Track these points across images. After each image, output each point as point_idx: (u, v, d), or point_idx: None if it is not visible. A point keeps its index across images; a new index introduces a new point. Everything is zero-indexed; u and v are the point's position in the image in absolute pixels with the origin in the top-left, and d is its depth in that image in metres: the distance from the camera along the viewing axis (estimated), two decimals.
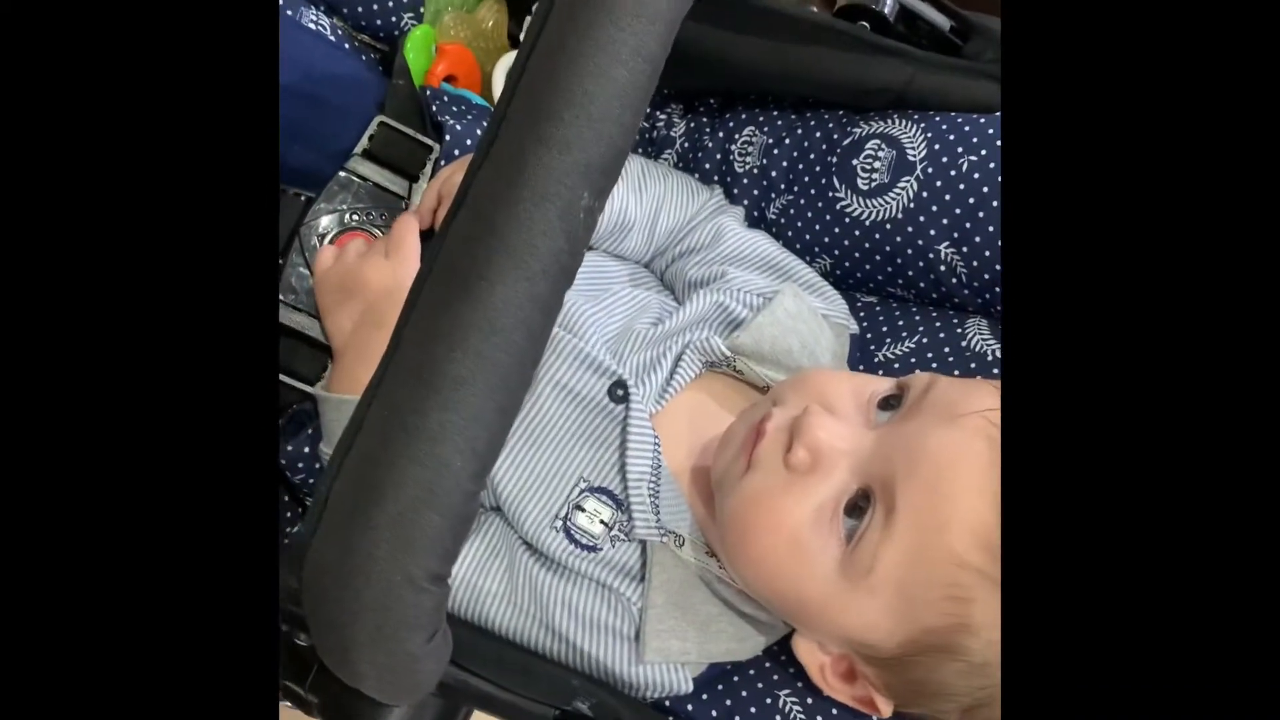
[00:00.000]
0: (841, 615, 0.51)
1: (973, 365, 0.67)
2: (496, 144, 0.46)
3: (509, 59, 0.76)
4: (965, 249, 0.66)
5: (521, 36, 0.77)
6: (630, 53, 0.46)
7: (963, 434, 0.49)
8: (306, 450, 0.63)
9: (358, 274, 0.61)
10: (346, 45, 0.73)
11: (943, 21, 0.68)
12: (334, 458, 0.44)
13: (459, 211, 0.46)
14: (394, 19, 0.76)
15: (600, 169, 0.46)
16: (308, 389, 0.64)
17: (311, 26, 0.70)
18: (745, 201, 0.77)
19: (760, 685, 0.60)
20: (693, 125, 0.81)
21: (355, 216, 0.65)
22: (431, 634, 0.44)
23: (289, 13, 0.70)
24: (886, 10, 0.68)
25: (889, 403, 0.55)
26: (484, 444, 0.43)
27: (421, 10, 0.76)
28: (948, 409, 0.50)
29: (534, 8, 0.49)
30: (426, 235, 0.64)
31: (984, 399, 0.50)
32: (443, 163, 0.67)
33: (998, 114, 0.66)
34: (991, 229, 0.64)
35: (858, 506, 0.51)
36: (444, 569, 0.43)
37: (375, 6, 0.75)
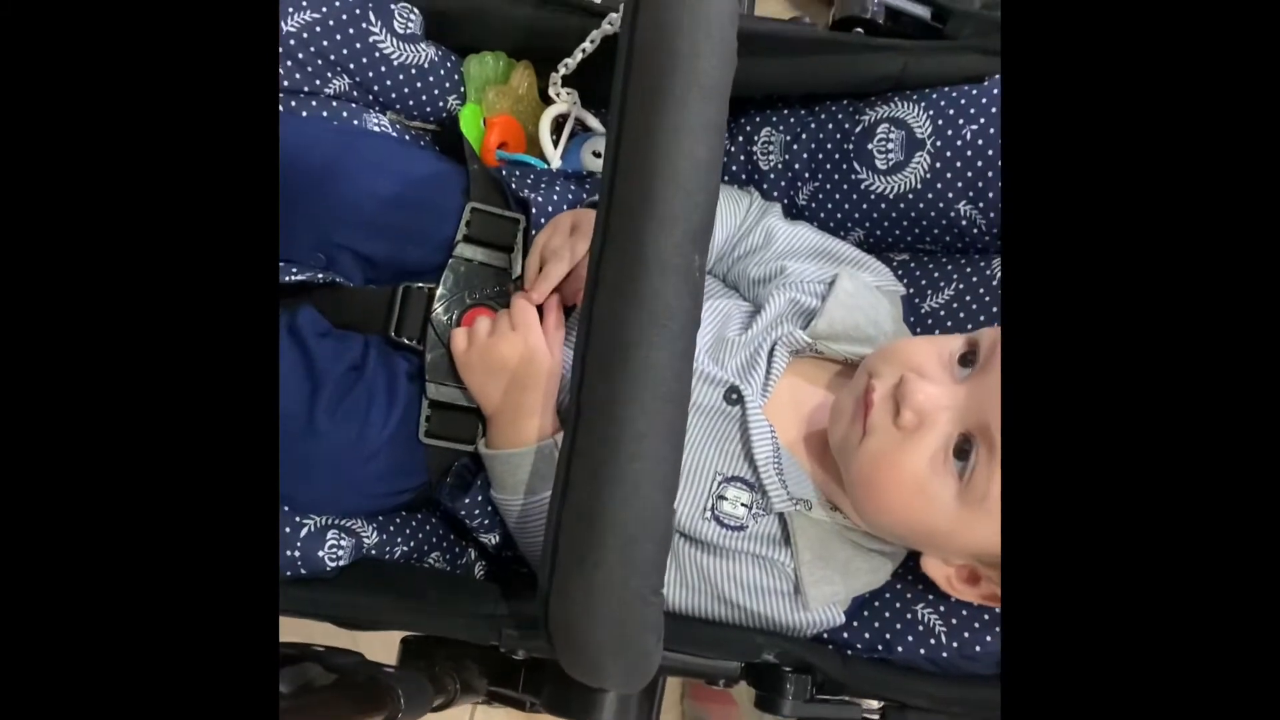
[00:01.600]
0: (966, 536, 0.61)
1: None
2: (611, 228, 0.54)
3: (549, 114, 0.83)
4: (981, 204, 0.74)
5: (550, 90, 0.84)
6: (704, 128, 0.54)
7: None
8: (480, 498, 0.72)
9: (495, 352, 0.69)
10: (411, 139, 0.80)
11: (923, 11, 0.75)
12: (550, 511, 0.53)
13: (597, 291, 0.54)
14: (441, 103, 0.83)
15: (701, 231, 0.54)
16: (468, 449, 0.72)
17: (377, 129, 0.77)
18: (776, 194, 0.85)
19: (898, 605, 0.70)
20: None
21: (471, 295, 0.73)
22: (659, 635, 0.53)
23: (355, 122, 0.76)
24: (872, 14, 0.75)
25: (966, 359, 0.63)
26: (670, 479, 0.52)
27: (462, 90, 0.83)
28: None
29: (610, 99, 0.56)
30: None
31: None
32: (533, 232, 0.75)
33: (986, 81, 0.74)
34: (1000, 182, 0.73)
35: (963, 449, 0.60)
36: (660, 582, 0.52)
37: (424, 96, 0.82)
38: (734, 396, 0.69)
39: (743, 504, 0.68)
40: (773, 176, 0.84)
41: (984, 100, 0.73)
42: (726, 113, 0.55)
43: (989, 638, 0.67)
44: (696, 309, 0.53)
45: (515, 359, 0.69)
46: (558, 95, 0.84)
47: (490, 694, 0.77)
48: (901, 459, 0.61)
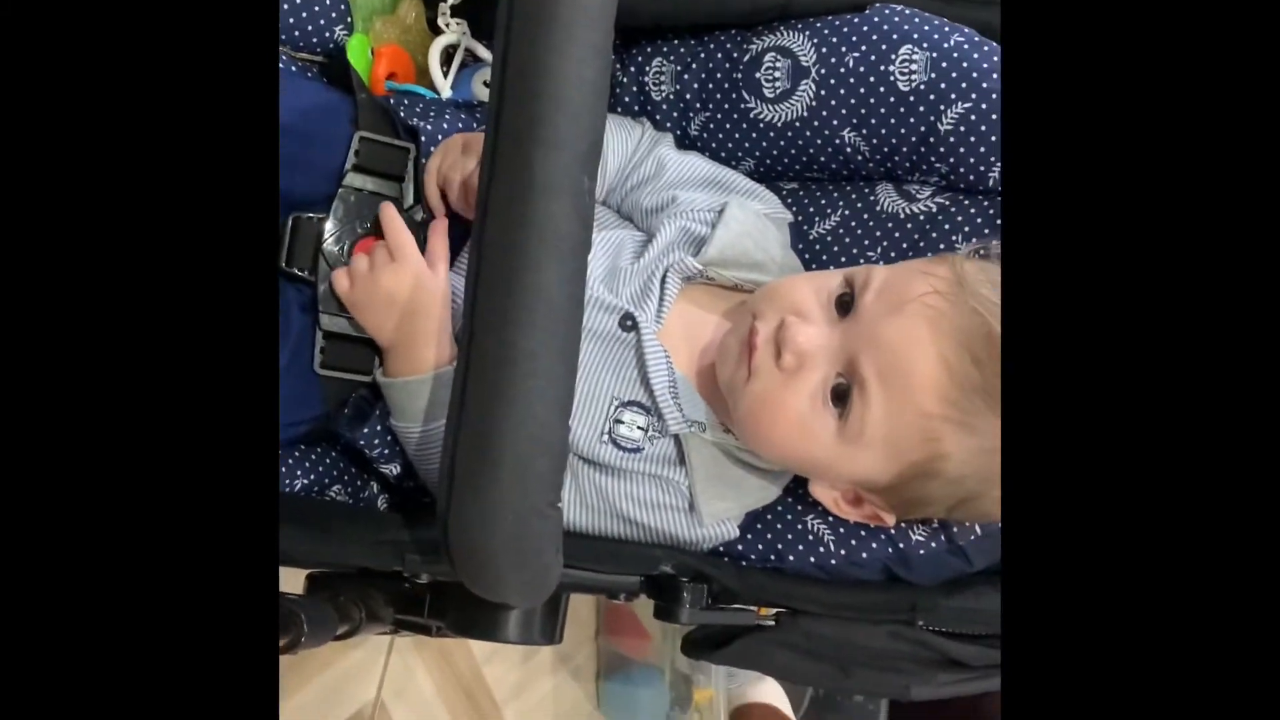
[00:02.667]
0: (846, 468, 0.65)
1: (889, 225, 0.78)
2: (499, 153, 0.54)
3: (438, 44, 0.82)
4: (865, 130, 0.76)
5: (439, 20, 0.83)
6: (589, 52, 0.54)
7: (907, 319, 0.61)
8: (379, 428, 0.72)
9: (378, 285, 0.69)
10: (298, 70, 0.78)
11: None
12: (447, 434, 0.53)
13: (486, 215, 0.54)
14: (328, 34, 0.81)
15: (589, 154, 0.54)
16: (365, 379, 0.72)
17: None
18: (667, 124, 0.85)
19: (789, 517, 0.73)
20: None
21: (363, 225, 0.72)
22: (557, 548, 0.55)
23: None
24: None
25: (843, 297, 0.66)
26: (564, 396, 0.53)
27: (349, 20, 0.81)
28: (892, 300, 0.62)
29: (495, 25, 0.56)
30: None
31: (916, 286, 0.62)
32: (423, 161, 0.74)
33: (868, 10, 0.75)
34: (883, 110, 0.75)
35: (840, 388, 0.63)
36: (557, 497, 0.53)
37: (310, 27, 0.80)
38: (629, 323, 0.71)
39: (639, 427, 0.69)
40: (665, 107, 0.85)
41: (865, 28, 0.75)
42: (612, 36, 0.55)
43: (874, 544, 0.70)
44: (586, 231, 0.54)
45: (400, 289, 0.68)
46: (447, 25, 0.83)
47: (396, 622, 0.77)
48: (784, 399, 0.64)
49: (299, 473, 0.74)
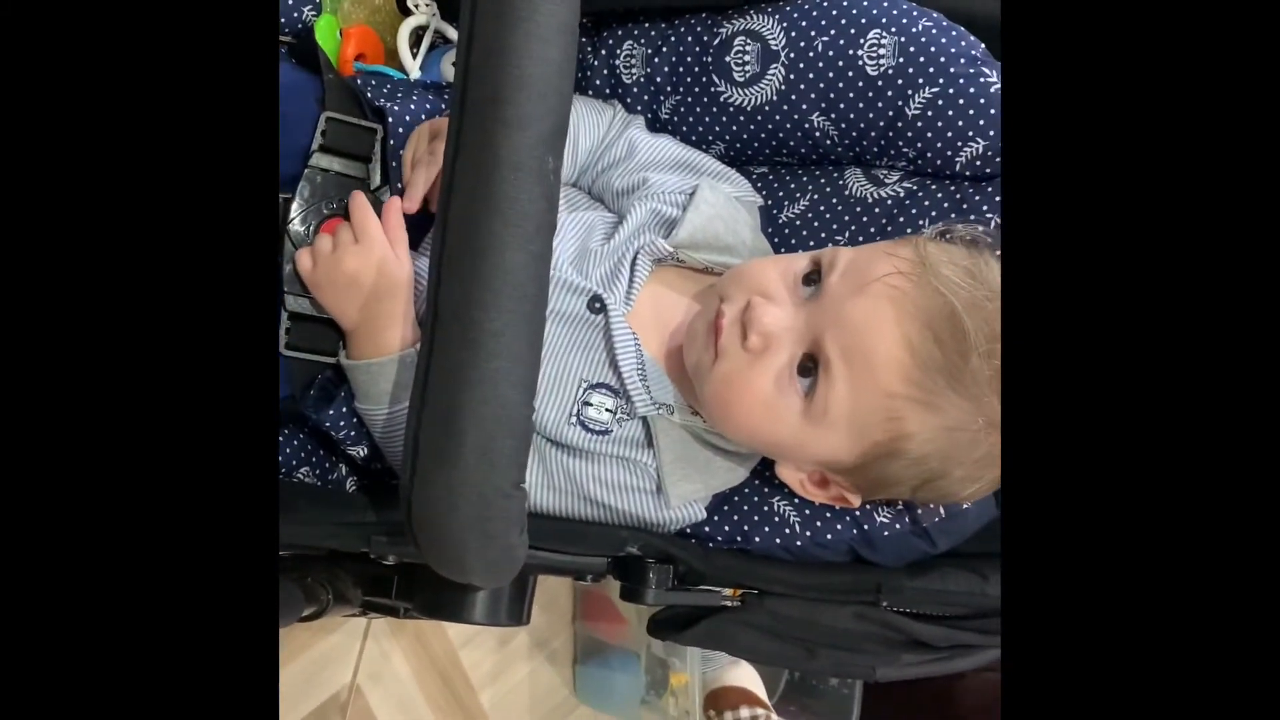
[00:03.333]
0: (811, 448, 0.65)
1: (858, 209, 0.78)
2: (464, 132, 0.54)
3: (407, 26, 0.82)
4: (833, 115, 0.77)
5: (408, 2, 0.83)
6: (555, 30, 0.54)
7: (870, 299, 0.61)
8: (345, 410, 0.72)
9: (341, 267, 0.68)
10: None
11: None
12: (410, 415, 0.53)
13: (451, 195, 0.54)
14: (296, 14, 0.80)
15: (554, 133, 0.54)
16: (330, 360, 0.72)
17: None
18: (639, 107, 0.85)
19: (756, 499, 0.73)
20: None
21: (329, 205, 0.72)
22: (522, 529, 0.55)
23: None
24: None
25: (810, 278, 0.66)
26: (528, 376, 0.53)
27: (318, 1, 0.81)
28: (855, 280, 0.63)
29: (460, 5, 0.56)
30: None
31: (880, 266, 0.62)
32: (391, 142, 0.74)
33: None
34: (851, 94, 0.75)
35: (806, 367, 0.64)
36: (522, 477, 0.53)
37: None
38: (597, 305, 0.71)
39: (607, 409, 0.70)
40: (635, 90, 0.85)
41: (834, 12, 0.75)
42: (578, 15, 0.55)
43: (839, 526, 0.71)
44: (551, 211, 0.54)
45: (364, 271, 0.68)
46: (416, 7, 0.82)
47: (365, 604, 0.78)
48: (750, 380, 0.65)
49: None
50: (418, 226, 0.72)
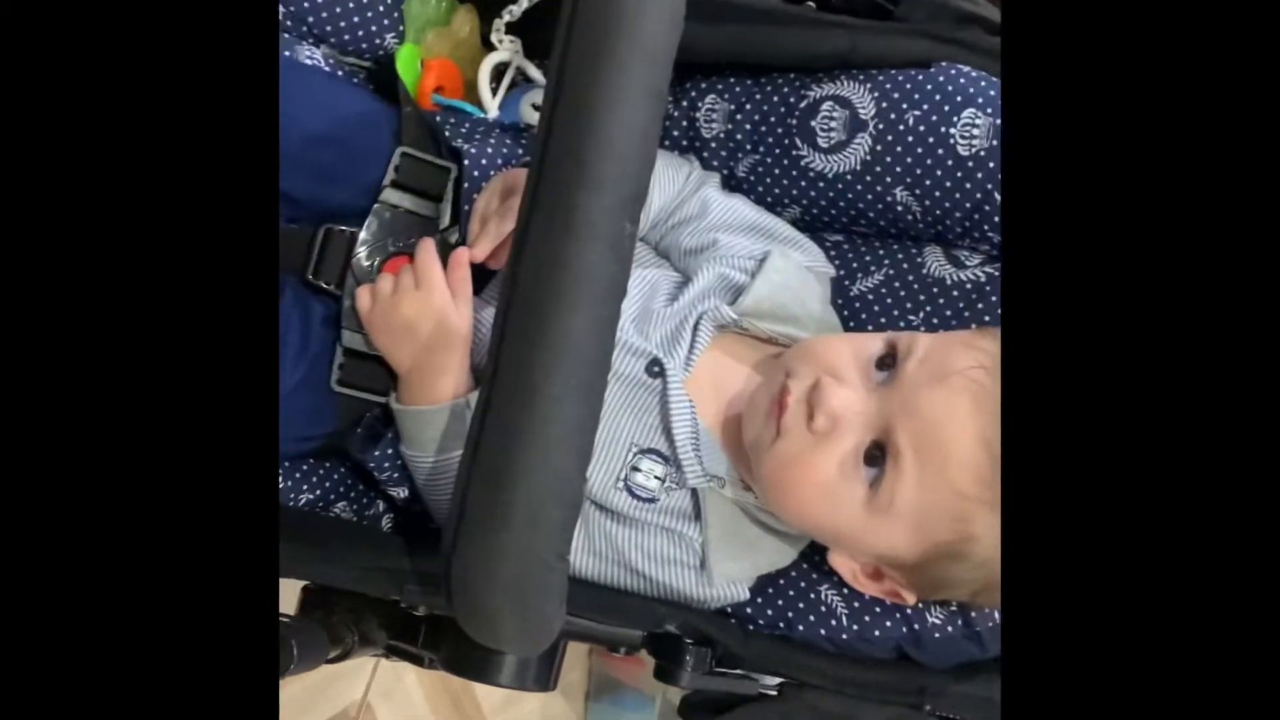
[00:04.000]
0: (871, 540, 0.63)
1: (934, 290, 0.76)
2: (542, 191, 0.53)
3: (489, 62, 0.82)
4: (918, 191, 0.75)
5: (493, 37, 0.82)
6: (643, 95, 0.53)
7: (949, 392, 0.59)
8: (390, 451, 0.71)
9: (398, 311, 0.68)
10: (344, 75, 0.78)
11: None
12: (460, 471, 0.52)
13: (523, 253, 0.53)
14: (378, 41, 0.80)
15: (634, 198, 0.53)
16: (381, 400, 0.71)
17: (309, 62, 0.75)
18: (715, 163, 0.84)
19: (803, 584, 0.71)
20: None
21: (395, 243, 0.71)
22: (561, 600, 0.53)
23: (286, 53, 0.74)
24: None
25: (883, 361, 0.64)
26: (584, 445, 0.52)
27: (401, 29, 0.81)
28: (934, 370, 0.61)
29: (550, 57, 0.55)
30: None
31: (961, 358, 0.60)
32: (465, 185, 0.73)
33: (933, 68, 0.74)
34: (939, 172, 0.73)
35: (873, 456, 0.61)
36: (567, 549, 0.52)
37: (360, 32, 0.79)
38: (656, 369, 0.69)
39: (656, 476, 0.68)
40: (714, 145, 0.84)
41: (929, 87, 0.73)
42: (669, 79, 0.54)
43: (888, 622, 0.68)
44: (623, 277, 0.53)
45: (419, 319, 0.67)
46: (500, 42, 0.82)
47: (389, 648, 0.76)
48: (812, 462, 0.62)
49: (305, 487, 0.73)
50: (481, 273, 0.71)
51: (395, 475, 0.72)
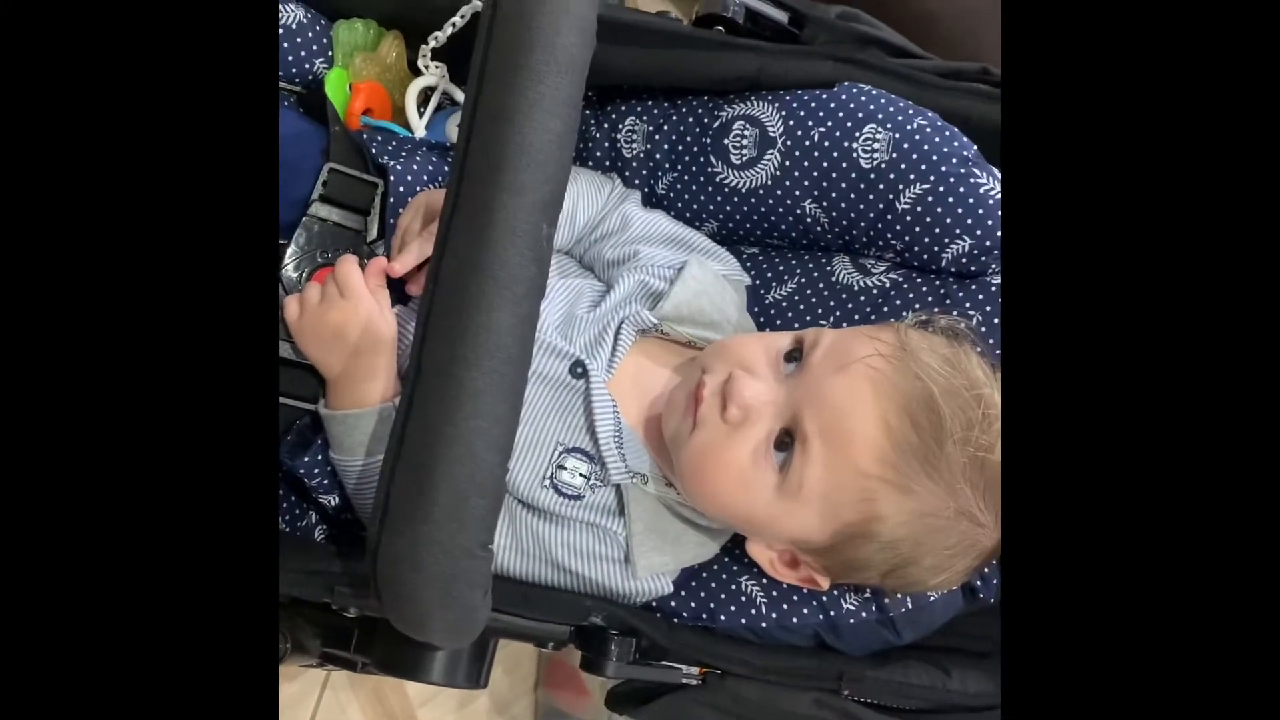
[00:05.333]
0: (784, 524, 0.64)
1: (843, 295, 0.79)
2: (462, 195, 0.55)
3: (416, 86, 0.83)
4: (825, 203, 0.78)
5: (419, 62, 0.84)
6: (558, 104, 0.55)
7: (850, 379, 0.62)
8: (320, 458, 0.72)
9: (325, 320, 0.68)
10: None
11: (780, 16, 0.79)
12: (384, 468, 0.53)
13: (444, 255, 0.55)
14: (307, 65, 0.82)
15: (551, 202, 0.55)
16: (309, 407, 0.71)
17: None
18: (636, 181, 0.86)
19: (724, 577, 0.73)
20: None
21: (324, 254, 0.72)
22: (486, 590, 0.54)
23: None
24: (733, 14, 0.78)
25: (791, 355, 0.67)
26: (505, 438, 0.53)
27: (330, 54, 0.82)
28: (837, 360, 0.63)
29: (470, 70, 0.57)
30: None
31: (861, 348, 0.63)
32: (391, 199, 0.74)
33: (836, 87, 0.77)
34: (844, 185, 0.76)
35: (783, 442, 0.64)
36: (490, 539, 0.53)
37: (290, 57, 0.80)
38: (579, 370, 0.71)
39: (581, 474, 0.69)
40: (634, 164, 0.86)
41: (833, 105, 0.77)
42: (582, 90, 0.56)
43: (805, 610, 0.70)
44: (542, 277, 0.54)
45: (347, 325, 0.68)
46: (426, 67, 0.84)
47: (323, 655, 0.76)
48: (726, 451, 0.64)
49: None
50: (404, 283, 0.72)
51: (325, 482, 0.72)
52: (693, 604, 0.72)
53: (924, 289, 0.76)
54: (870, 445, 0.60)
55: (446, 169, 0.79)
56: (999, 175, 0.73)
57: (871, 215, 0.76)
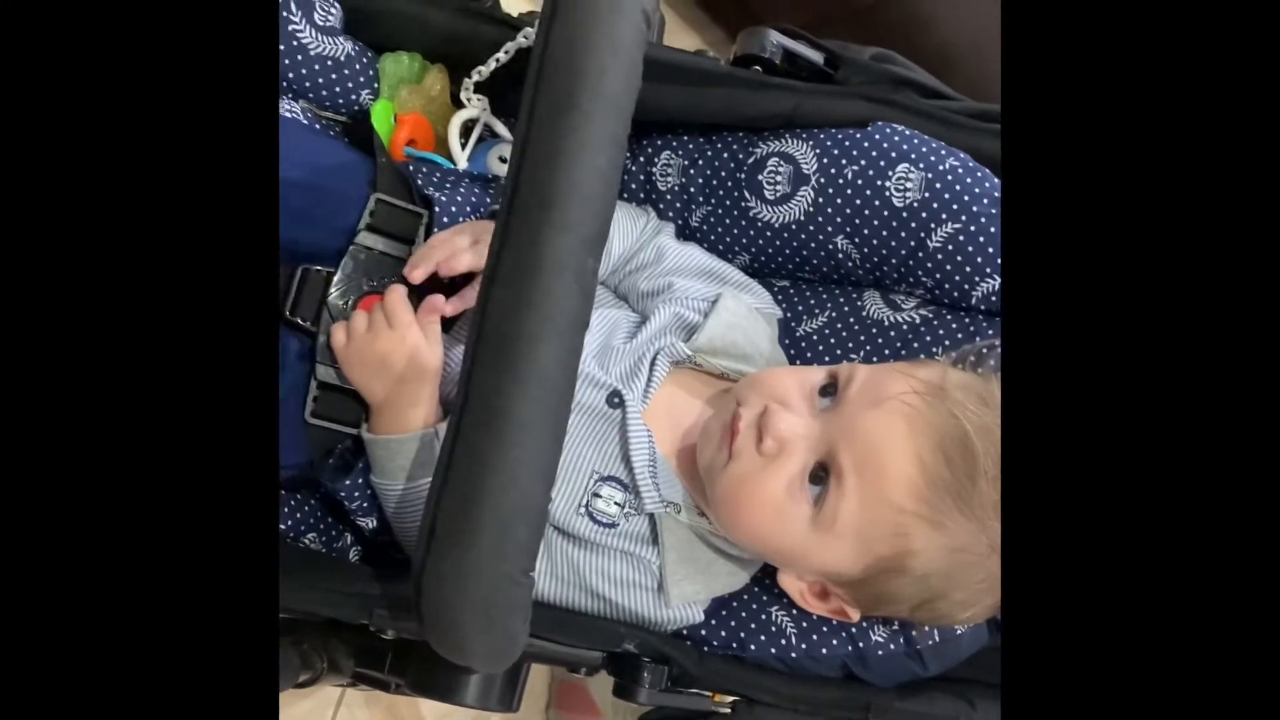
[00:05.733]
0: (816, 557, 0.65)
1: (873, 330, 0.80)
2: (511, 230, 0.56)
3: (459, 118, 0.85)
4: (857, 239, 0.79)
5: (462, 95, 0.86)
6: (604, 142, 0.56)
7: (885, 415, 0.63)
8: (360, 481, 0.73)
9: (372, 349, 0.70)
10: (321, 128, 0.81)
11: (816, 57, 0.80)
12: (430, 493, 0.54)
13: (492, 287, 0.56)
14: (354, 97, 0.83)
15: (596, 237, 0.56)
16: (352, 431, 0.73)
17: (287, 115, 0.77)
18: (670, 214, 0.88)
19: (754, 606, 0.73)
20: None
21: (369, 283, 0.74)
22: (526, 617, 0.55)
23: None
24: (770, 55, 0.79)
25: (826, 390, 0.68)
26: (548, 468, 0.54)
27: (376, 86, 0.84)
28: (871, 395, 0.64)
29: (519, 109, 0.58)
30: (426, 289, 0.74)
31: (896, 385, 0.64)
32: (435, 229, 0.76)
33: (870, 128, 0.79)
34: (876, 222, 0.77)
35: (817, 476, 0.65)
36: (532, 565, 0.53)
37: (338, 88, 0.82)
38: (616, 400, 0.72)
39: (616, 503, 0.70)
40: (669, 198, 0.88)
41: (866, 144, 0.78)
42: (628, 129, 0.58)
43: (834, 640, 0.71)
44: (586, 310, 0.55)
45: (393, 353, 0.69)
46: (469, 100, 0.85)
47: (356, 674, 0.77)
48: (761, 483, 0.65)
49: None
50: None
51: (364, 505, 0.73)
52: (723, 632, 0.73)
53: (954, 326, 0.77)
54: (904, 481, 0.61)
55: (489, 200, 0.80)
56: None
57: (903, 253, 0.77)
